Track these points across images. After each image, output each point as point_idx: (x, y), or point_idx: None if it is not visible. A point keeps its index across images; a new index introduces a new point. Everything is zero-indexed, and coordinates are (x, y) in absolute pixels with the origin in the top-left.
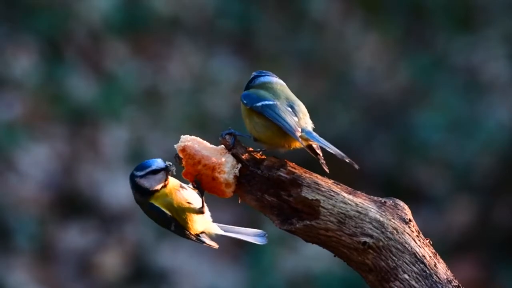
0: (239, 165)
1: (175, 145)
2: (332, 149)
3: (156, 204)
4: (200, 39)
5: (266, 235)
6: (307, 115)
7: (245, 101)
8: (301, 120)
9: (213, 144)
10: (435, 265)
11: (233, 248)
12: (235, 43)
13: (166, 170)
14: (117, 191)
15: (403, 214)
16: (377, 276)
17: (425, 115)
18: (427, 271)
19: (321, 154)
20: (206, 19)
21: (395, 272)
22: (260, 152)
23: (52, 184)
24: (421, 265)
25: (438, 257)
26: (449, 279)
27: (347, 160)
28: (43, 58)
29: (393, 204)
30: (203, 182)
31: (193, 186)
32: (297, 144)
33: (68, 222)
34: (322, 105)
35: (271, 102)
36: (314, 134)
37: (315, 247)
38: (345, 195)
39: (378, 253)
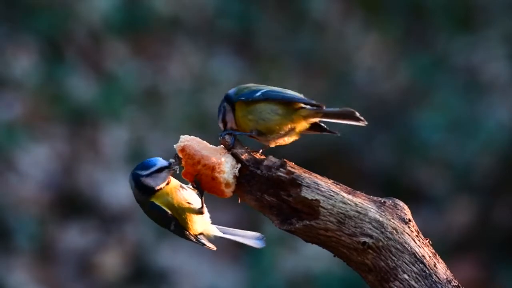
0: (239, 165)
1: (175, 145)
2: (337, 110)
3: (157, 203)
4: (200, 39)
5: (265, 238)
6: None
7: (243, 98)
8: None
9: (212, 144)
10: (434, 265)
11: (233, 248)
12: (235, 43)
13: (170, 168)
14: (117, 191)
15: (402, 214)
16: (376, 276)
17: (425, 115)
18: (427, 271)
19: (326, 127)
20: (206, 19)
21: (395, 272)
22: (260, 152)
23: (52, 184)
24: (420, 265)
25: (438, 257)
26: (448, 279)
27: (357, 115)
28: (43, 58)
29: (392, 204)
30: (203, 182)
31: (193, 186)
32: (303, 125)
33: (68, 222)
34: None
35: (266, 88)
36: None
37: (315, 247)
38: (345, 195)
39: (377, 253)
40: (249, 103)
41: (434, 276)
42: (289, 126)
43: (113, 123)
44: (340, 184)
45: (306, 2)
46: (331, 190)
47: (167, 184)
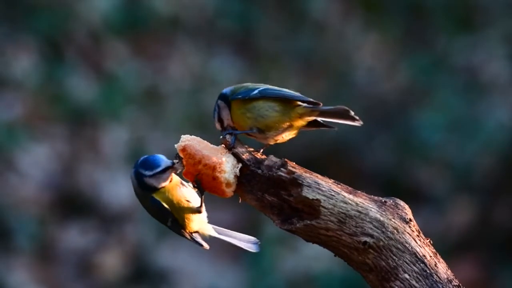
0: (240, 165)
1: (176, 145)
2: (331, 108)
3: (157, 198)
4: (200, 39)
5: (259, 243)
6: None
7: (240, 96)
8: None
9: (213, 144)
10: (435, 265)
11: (233, 248)
12: (235, 43)
13: (173, 168)
14: (117, 191)
15: (403, 214)
16: (377, 275)
17: (425, 115)
18: (428, 271)
19: (323, 123)
20: (206, 19)
21: (396, 271)
22: (261, 152)
23: (52, 184)
24: (421, 264)
25: (439, 256)
26: (449, 278)
27: (351, 114)
28: (43, 58)
29: (393, 203)
30: (204, 181)
31: (193, 186)
32: (300, 123)
33: (68, 222)
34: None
35: (264, 87)
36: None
37: (315, 247)
38: (346, 194)
39: (378, 252)
40: (247, 101)
41: (435, 276)
42: (287, 123)
43: (113, 123)
44: (341, 183)
45: (306, 2)
46: (332, 190)
47: (169, 182)
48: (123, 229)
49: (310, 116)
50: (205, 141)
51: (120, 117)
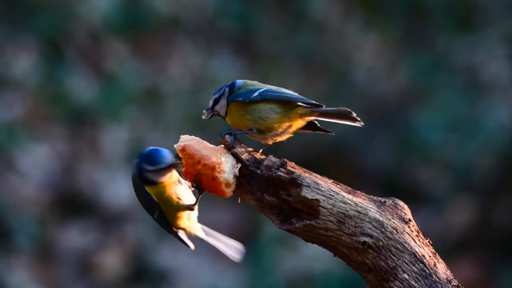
0: (239, 165)
1: (175, 145)
2: (333, 109)
3: (148, 189)
4: (200, 39)
5: (244, 252)
6: None
7: (240, 99)
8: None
9: (212, 144)
10: (434, 265)
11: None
12: (235, 43)
13: (174, 167)
14: (117, 191)
15: (402, 214)
16: (376, 275)
17: (425, 115)
18: (427, 271)
19: (321, 126)
20: (206, 19)
21: (395, 271)
22: (260, 152)
23: (52, 184)
24: (420, 264)
25: (438, 256)
26: (448, 278)
27: (353, 115)
28: (43, 58)
29: (392, 203)
30: (203, 182)
31: (193, 186)
32: (299, 123)
33: (68, 222)
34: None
35: (264, 88)
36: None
37: (315, 247)
38: (345, 194)
39: (377, 252)
40: (247, 104)
41: (434, 276)
42: (287, 124)
43: (113, 123)
44: (340, 183)
45: (306, 2)
46: (331, 190)
47: (169, 178)
48: (123, 229)
49: (310, 116)
50: (205, 141)
51: (120, 117)
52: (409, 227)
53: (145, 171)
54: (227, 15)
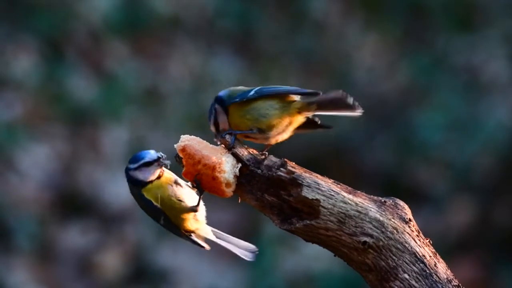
0: (239, 165)
1: (175, 145)
2: (328, 95)
3: (147, 196)
4: (200, 39)
5: (257, 252)
6: None
7: (237, 99)
8: None
9: (213, 144)
10: (435, 265)
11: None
12: (235, 43)
13: (158, 161)
14: (117, 191)
15: (403, 214)
16: (377, 275)
17: (425, 115)
18: (427, 271)
19: (320, 123)
20: (206, 19)
21: (395, 271)
22: (263, 151)
23: (52, 184)
24: (421, 264)
25: (438, 256)
26: (449, 278)
27: (349, 100)
28: (43, 58)
29: (393, 203)
30: (203, 182)
31: (193, 186)
32: (299, 120)
33: (68, 222)
34: None
35: (258, 87)
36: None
37: (315, 247)
38: (345, 194)
39: (378, 252)
40: (245, 104)
41: (435, 276)
42: (287, 120)
43: (113, 123)
44: (341, 183)
45: (306, 2)
46: (332, 190)
47: (159, 178)
48: (123, 229)
49: (308, 110)
50: (205, 141)
51: (120, 117)
52: (409, 227)
53: (129, 170)
54: (227, 15)
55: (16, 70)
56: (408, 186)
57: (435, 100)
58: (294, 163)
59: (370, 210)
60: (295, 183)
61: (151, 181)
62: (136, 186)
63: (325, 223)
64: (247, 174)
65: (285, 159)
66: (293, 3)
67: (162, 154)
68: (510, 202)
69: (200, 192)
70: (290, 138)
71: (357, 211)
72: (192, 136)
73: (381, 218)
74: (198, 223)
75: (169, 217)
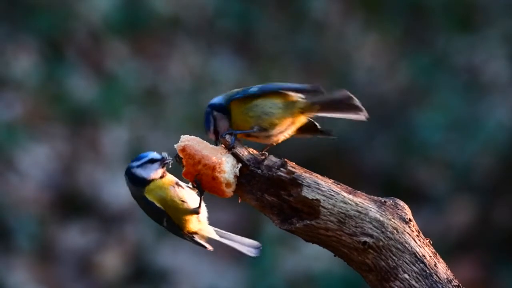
0: (239, 165)
1: (175, 145)
2: (332, 96)
3: (149, 198)
4: (200, 39)
5: (261, 247)
6: None
7: (240, 95)
8: None
9: (213, 144)
10: (435, 265)
11: (233, 248)
12: (235, 43)
13: (162, 161)
14: (117, 191)
15: (403, 214)
16: (377, 275)
17: (425, 115)
18: (427, 271)
19: (321, 129)
20: (206, 19)
21: (395, 271)
22: (264, 151)
23: (52, 184)
24: (421, 264)
25: (438, 256)
26: (449, 278)
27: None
28: (43, 58)
29: (393, 203)
30: (203, 182)
31: (193, 186)
32: (301, 120)
33: (68, 222)
34: None
35: (261, 85)
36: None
37: (316, 247)
38: (345, 194)
39: (378, 252)
40: (247, 101)
41: (435, 276)
42: (289, 120)
43: (113, 123)
44: (341, 183)
45: (306, 2)
46: (332, 190)
47: (161, 178)
48: (123, 229)
49: (311, 111)
50: (205, 141)
51: (120, 117)
52: (409, 227)
53: (132, 168)
54: (227, 15)
55: (16, 70)
56: (408, 186)
57: (435, 100)
58: (294, 163)
59: (370, 210)
60: (295, 183)
61: (153, 180)
62: (138, 187)
63: (325, 223)
64: (247, 174)
65: (285, 159)
66: (293, 3)
67: (165, 155)
68: (510, 202)
69: (200, 193)
70: (290, 138)
71: (357, 211)
72: (192, 136)
73: (381, 218)
74: (201, 224)
75: (172, 219)
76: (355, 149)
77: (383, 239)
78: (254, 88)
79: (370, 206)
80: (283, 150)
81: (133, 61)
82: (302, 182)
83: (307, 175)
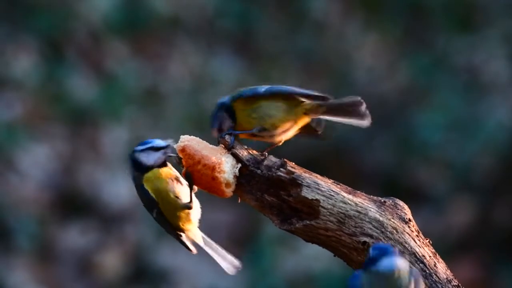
0: (239, 165)
1: (175, 145)
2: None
3: (145, 185)
4: (200, 39)
5: (240, 269)
6: None
7: (248, 93)
8: None
9: (212, 144)
10: (434, 265)
11: (233, 248)
12: (235, 43)
13: (166, 149)
14: (117, 191)
15: (402, 214)
16: None
17: (425, 115)
18: (427, 271)
19: (320, 132)
20: (206, 19)
21: None
22: (265, 151)
23: (52, 184)
24: (420, 264)
25: (438, 256)
26: (448, 278)
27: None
28: (43, 58)
29: (392, 203)
30: (203, 182)
31: (184, 178)
32: (305, 120)
33: (68, 222)
34: None
35: (268, 86)
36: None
37: (315, 247)
38: (345, 194)
39: None
40: (252, 102)
41: (434, 276)
42: (293, 121)
43: (113, 123)
44: (340, 184)
45: (306, 2)
46: (331, 190)
47: (162, 167)
48: (123, 229)
49: (316, 113)
50: (205, 141)
51: (120, 117)
52: (409, 227)
53: (135, 152)
54: (227, 15)
55: (16, 70)
56: (408, 186)
57: (435, 100)
58: (293, 163)
59: (370, 210)
60: (295, 183)
61: (152, 168)
62: (137, 171)
63: (325, 223)
64: (247, 174)
65: (285, 159)
66: (293, 3)
67: (171, 142)
68: (510, 202)
69: (190, 186)
70: (290, 138)
71: (357, 211)
72: (192, 136)
73: (380, 218)
74: (190, 224)
75: (163, 212)
76: (355, 149)
77: (382, 239)
78: (262, 89)
79: (369, 206)
80: (283, 150)
81: (133, 61)
82: (302, 182)
83: (307, 175)
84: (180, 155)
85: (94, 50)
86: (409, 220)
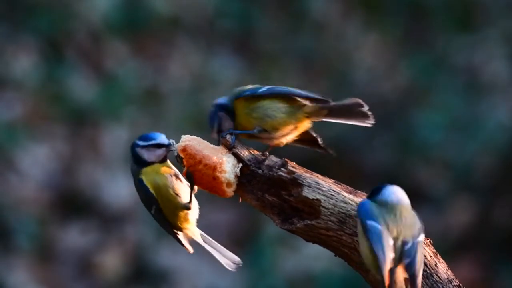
0: (240, 165)
1: (176, 145)
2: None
3: (145, 180)
4: (200, 39)
5: (240, 265)
6: None
7: (248, 93)
8: None
9: (213, 144)
10: (435, 265)
11: (233, 248)
12: (235, 43)
13: (168, 147)
14: (117, 191)
15: None
16: None
17: (425, 115)
18: (428, 271)
19: (322, 144)
20: (206, 19)
21: None
22: (266, 151)
23: (52, 184)
24: None
25: (439, 256)
26: (449, 278)
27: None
28: (43, 58)
29: None
30: (204, 182)
31: (184, 178)
32: (306, 124)
33: (68, 222)
34: None
35: (269, 86)
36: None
37: (316, 247)
38: (346, 194)
39: None
40: (253, 101)
41: (435, 276)
42: (293, 124)
43: (113, 123)
44: (341, 183)
45: (306, 2)
46: (332, 190)
47: (161, 162)
48: (123, 229)
49: (318, 116)
50: (206, 141)
51: (120, 117)
52: None
53: (137, 146)
54: (227, 15)
55: (16, 70)
56: (408, 186)
57: (435, 100)
58: (294, 163)
59: None
60: (296, 183)
61: (153, 163)
62: (137, 165)
63: (326, 223)
64: (248, 174)
65: (286, 159)
66: (293, 3)
67: (173, 142)
68: (510, 202)
69: (191, 186)
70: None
71: None
72: (193, 136)
73: None
74: (188, 223)
75: (162, 209)
76: (355, 149)
77: None
78: (263, 89)
79: None
80: (284, 150)
81: (133, 61)
82: (303, 182)
83: (308, 175)
84: (181, 155)
85: (94, 50)
86: None
